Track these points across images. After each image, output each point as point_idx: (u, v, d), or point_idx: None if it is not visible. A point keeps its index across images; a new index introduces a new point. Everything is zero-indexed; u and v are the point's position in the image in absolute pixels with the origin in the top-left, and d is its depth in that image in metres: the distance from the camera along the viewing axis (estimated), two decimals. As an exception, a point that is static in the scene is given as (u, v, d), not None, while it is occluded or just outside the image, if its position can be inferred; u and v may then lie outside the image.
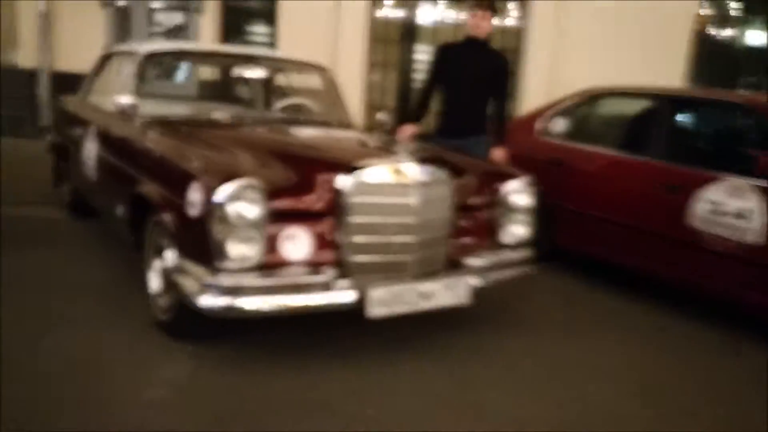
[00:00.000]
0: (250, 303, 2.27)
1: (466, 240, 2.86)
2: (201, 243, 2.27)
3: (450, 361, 2.70)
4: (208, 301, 2.26)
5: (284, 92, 3.99)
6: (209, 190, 2.24)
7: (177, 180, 2.47)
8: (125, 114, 3.15)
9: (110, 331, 2.72)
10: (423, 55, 7.73)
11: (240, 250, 2.25)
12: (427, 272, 2.61)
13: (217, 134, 3.05)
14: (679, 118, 3.96)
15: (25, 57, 8.02)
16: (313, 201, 2.45)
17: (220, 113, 3.61)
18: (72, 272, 3.44)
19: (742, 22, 8.09)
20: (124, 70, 3.65)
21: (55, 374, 2.33)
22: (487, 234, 2.95)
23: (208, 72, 4.82)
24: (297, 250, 2.41)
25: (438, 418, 2.25)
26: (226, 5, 7.88)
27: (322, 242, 2.45)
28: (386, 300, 2.45)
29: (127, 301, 3.02)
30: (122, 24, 7.90)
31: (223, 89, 4.56)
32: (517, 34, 7.77)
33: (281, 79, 4.09)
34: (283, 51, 6.81)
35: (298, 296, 2.34)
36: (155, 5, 7.82)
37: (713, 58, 7.89)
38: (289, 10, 7.56)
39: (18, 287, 3.12)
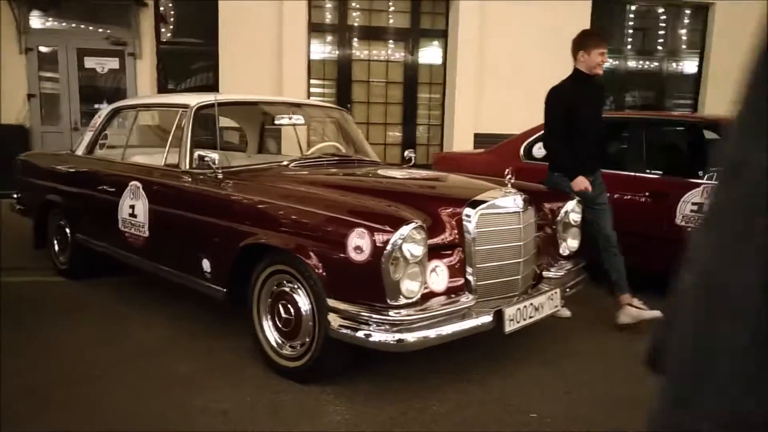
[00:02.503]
0: (415, 336, 2.45)
1: (541, 255, 3.24)
2: (368, 284, 2.42)
3: (565, 365, 3.05)
4: (380, 337, 2.41)
5: (325, 136, 4.14)
6: (382, 234, 2.40)
7: (328, 228, 2.58)
8: (203, 166, 3.16)
9: (231, 389, 2.74)
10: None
11: (410, 286, 2.44)
12: (527, 287, 2.95)
13: (315, 179, 3.17)
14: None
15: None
16: (447, 235, 2.70)
17: (284, 159, 3.70)
18: (143, 335, 3.33)
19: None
20: (164, 124, 3.61)
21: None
22: (552, 248, 3.35)
23: (234, 120, 4.82)
24: (440, 282, 2.63)
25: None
26: (163, 49, 7.68)
27: (455, 271, 2.70)
28: (515, 316, 2.75)
29: (232, 356, 3.02)
30: (47, 70, 7.42)
31: (259, 136, 4.68)
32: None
33: (314, 124, 4.23)
34: (238, 92, 6.80)
35: (451, 324, 2.56)
36: (85, 48, 7.43)
37: None
38: (231, 52, 7.54)
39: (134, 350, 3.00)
